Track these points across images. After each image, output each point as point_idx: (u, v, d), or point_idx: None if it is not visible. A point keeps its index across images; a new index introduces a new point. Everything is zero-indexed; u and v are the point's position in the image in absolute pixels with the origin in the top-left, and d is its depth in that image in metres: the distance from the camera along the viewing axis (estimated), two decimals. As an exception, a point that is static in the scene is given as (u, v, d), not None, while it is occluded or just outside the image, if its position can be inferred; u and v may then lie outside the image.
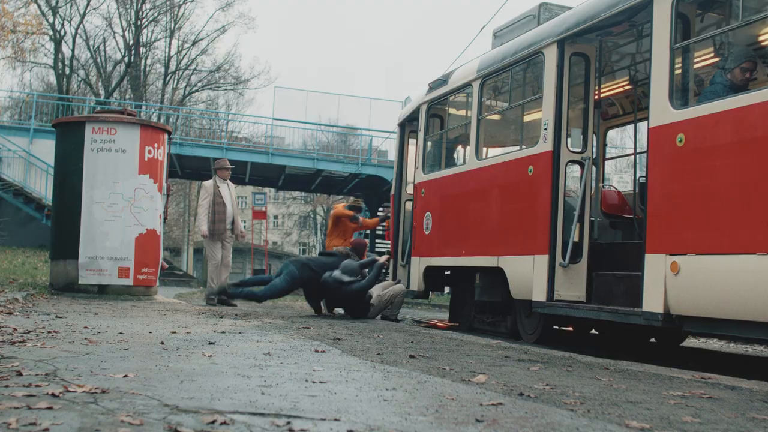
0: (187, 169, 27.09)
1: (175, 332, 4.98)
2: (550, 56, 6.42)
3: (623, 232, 7.21)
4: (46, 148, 20.18)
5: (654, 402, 2.91)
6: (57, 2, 31.53)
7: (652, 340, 7.78)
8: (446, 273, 8.69)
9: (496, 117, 8.38)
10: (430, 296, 15.96)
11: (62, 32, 32.15)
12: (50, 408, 2.16)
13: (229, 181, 10.27)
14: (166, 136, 9.94)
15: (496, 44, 8.01)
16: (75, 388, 2.50)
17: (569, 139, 6.39)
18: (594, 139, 7.04)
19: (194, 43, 35.34)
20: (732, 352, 7.99)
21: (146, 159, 9.39)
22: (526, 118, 7.70)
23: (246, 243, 34.68)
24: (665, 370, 4.25)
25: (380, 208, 24.95)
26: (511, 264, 6.79)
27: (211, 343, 4.34)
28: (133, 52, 33.36)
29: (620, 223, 7.26)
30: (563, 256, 6.16)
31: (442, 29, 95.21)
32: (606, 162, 8.66)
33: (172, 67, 35.12)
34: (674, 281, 4.79)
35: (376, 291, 8.21)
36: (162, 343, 4.22)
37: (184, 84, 36.23)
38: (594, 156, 6.91)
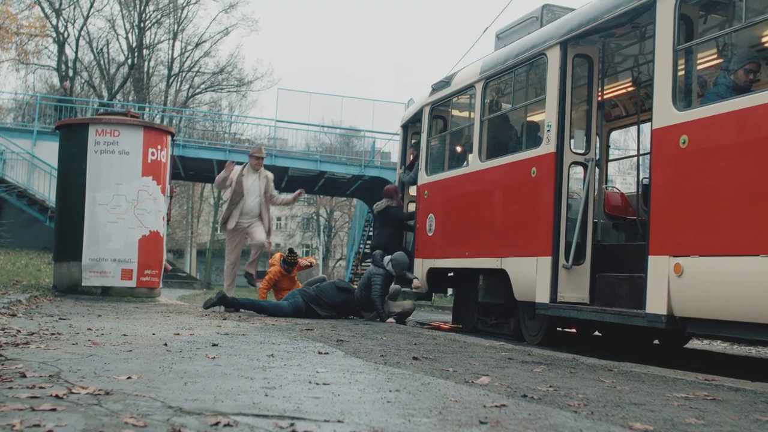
0: (191, 171, 27.13)
1: (178, 334, 4.98)
2: (553, 58, 6.42)
3: (626, 233, 7.20)
4: (49, 150, 20.20)
5: (657, 404, 2.91)
6: (60, 5, 31.61)
7: (656, 341, 7.78)
8: (449, 274, 8.69)
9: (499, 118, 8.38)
10: (433, 298, 15.95)
11: (65, 34, 32.24)
12: (54, 409, 2.16)
13: (264, 171, 9.30)
14: (169, 137, 9.95)
15: (499, 46, 8.02)
16: (79, 390, 2.50)
17: (572, 141, 6.39)
18: (597, 140, 7.04)
19: (197, 45, 35.42)
20: (736, 353, 7.97)
21: (149, 161, 9.40)
22: (529, 120, 7.71)
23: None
24: (669, 371, 4.24)
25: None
26: (514, 265, 6.79)
27: (214, 345, 4.35)
28: (136, 54, 33.42)
29: (623, 224, 7.25)
30: (566, 258, 6.15)
31: (445, 32, 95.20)
32: (609, 163, 8.65)
33: (175, 69, 35.19)
34: (677, 283, 4.78)
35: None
36: (165, 344, 4.22)
37: (187, 86, 36.32)
38: (597, 157, 6.90)
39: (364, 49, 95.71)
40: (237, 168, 9.13)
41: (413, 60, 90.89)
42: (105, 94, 33.44)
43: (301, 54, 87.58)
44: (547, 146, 6.38)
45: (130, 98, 33.27)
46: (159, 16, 34.26)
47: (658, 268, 4.95)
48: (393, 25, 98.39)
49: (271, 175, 9.46)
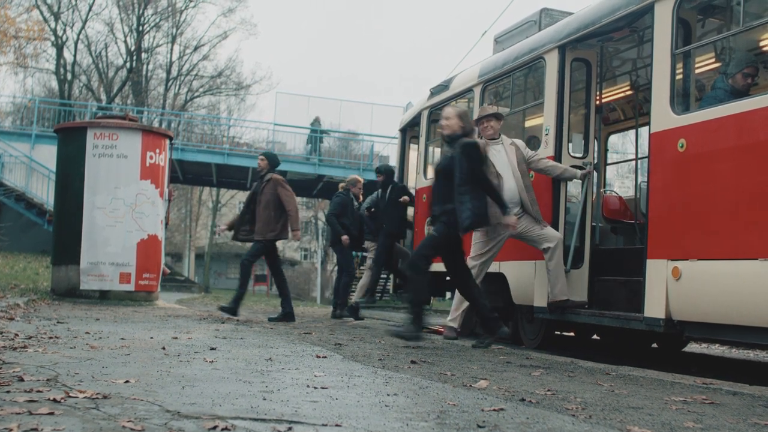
0: (189, 175, 27.08)
1: (176, 337, 4.98)
2: (552, 61, 6.43)
3: (625, 237, 7.20)
4: (48, 154, 20.19)
5: (656, 407, 2.91)
6: (59, 8, 31.62)
7: (654, 345, 7.77)
8: (448, 278, 8.67)
9: (497, 122, 8.37)
10: (432, 301, 15.95)
11: (64, 38, 32.22)
12: (52, 413, 2.16)
13: (507, 140, 6.23)
14: (167, 141, 9.96)
15: (498, 49, 8.02)
16: (76, 394, 2.50)
17: (570, 145, 6.39)
18: (595, 144, 7.05)
19: (196, 48, 35.41)
20: (734, 357, 7.97)
21: (148, 164, 9.41)
22: (528, 124, 7.71)
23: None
24: (667, 375, 4.24)
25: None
26: (512, 269, 6.79)
27: (212, 349, 4.34)
28: (134, 57, 33.42)
29: (622, 228, 7.26)
30: (565, 262, 6.15)
31: (445, 34, 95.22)
32: (607, 167, 8.66)
33: (174, 72, 35.18)
34: (676, 286, 4.78)
35: None
36: (163, 348, 4.22)
37: (185, 89, 36.30)
38: (595, 161, 6.91)
39: (377, 56, 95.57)
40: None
41: (421, 66, 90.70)
42: (103, 97, 33.43)
43: (312, 61, 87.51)
44: (546, 150, 6.38)
45: (129, 102, 33.25)
46: (158, 20, 34.26)
47: (657, 271, 4.96)
48: (399, 30, 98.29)
49: (520, 143, 6.31)
